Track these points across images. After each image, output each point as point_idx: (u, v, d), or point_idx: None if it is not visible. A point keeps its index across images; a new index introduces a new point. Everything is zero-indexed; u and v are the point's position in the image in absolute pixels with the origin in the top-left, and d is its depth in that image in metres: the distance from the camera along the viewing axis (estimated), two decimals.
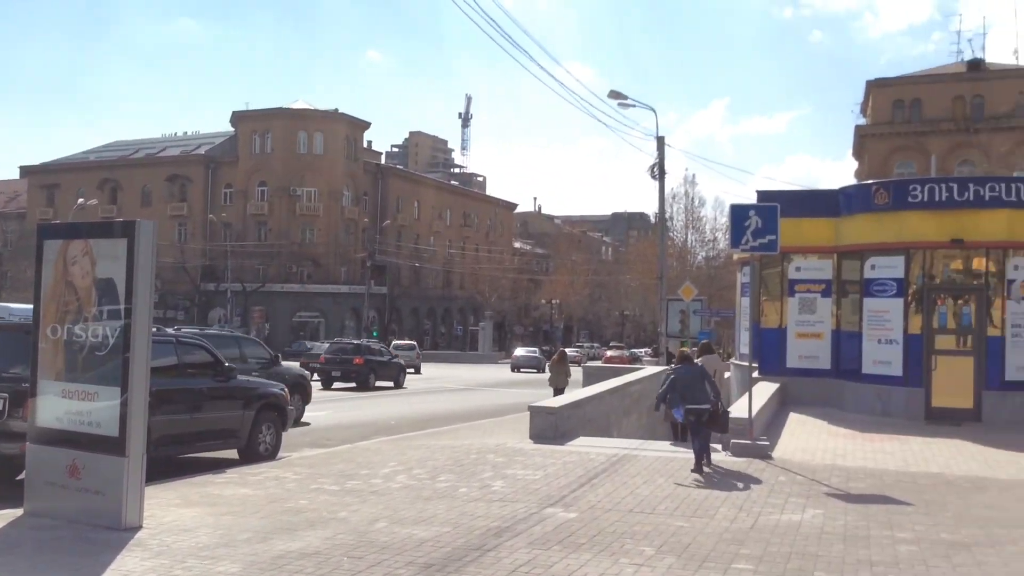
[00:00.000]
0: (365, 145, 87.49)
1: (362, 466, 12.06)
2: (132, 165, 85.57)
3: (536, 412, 14.64)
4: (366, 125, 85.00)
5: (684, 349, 14.27)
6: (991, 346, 16.90)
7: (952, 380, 17.06)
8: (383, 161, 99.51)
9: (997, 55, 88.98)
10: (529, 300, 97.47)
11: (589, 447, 13.52)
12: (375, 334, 64.81)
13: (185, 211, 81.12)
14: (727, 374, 24.26)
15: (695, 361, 13.21)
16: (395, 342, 44.22)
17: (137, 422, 8.19)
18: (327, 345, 41.75)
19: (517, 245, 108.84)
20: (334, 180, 79.12)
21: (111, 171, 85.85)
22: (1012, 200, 16.93)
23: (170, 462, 12.00)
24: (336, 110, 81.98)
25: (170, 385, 11.87)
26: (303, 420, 19.24)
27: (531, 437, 14.33)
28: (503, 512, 9.05)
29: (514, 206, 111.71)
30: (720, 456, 12.75)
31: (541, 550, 7.53)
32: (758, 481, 10.91)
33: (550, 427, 14.33)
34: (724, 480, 11.02)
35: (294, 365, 24.02)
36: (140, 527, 8.17)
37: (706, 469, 11.66)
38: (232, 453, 13.39)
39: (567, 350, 34.79)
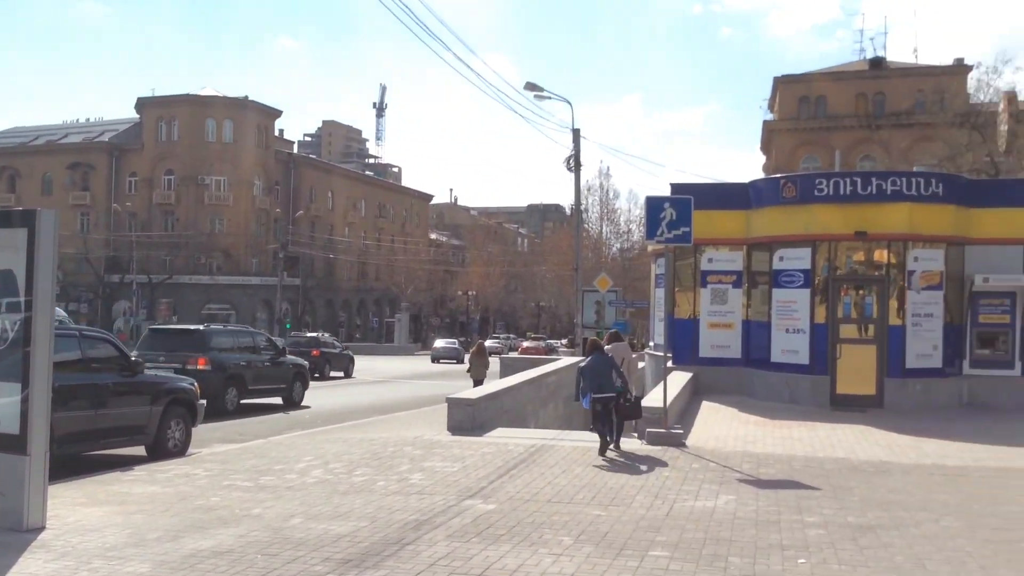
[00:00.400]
0: (277, 134, 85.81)
1: (276, 461, 11.83)
2: (32, 152, 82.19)
3: (454, 404, 14.60)
4: (277, 113, 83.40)
5: (594, 338, 14.58)
6: (892, 335, 17.54)
7: (856, 368, 17.67)
8: (295, 150, 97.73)
9: (898, 54, 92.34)
10: (445, 291, 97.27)
11: (507, 438, 13.55)
12: (288, 326, 63.67)
13: (88, 200, 78.22)
14: (641, 364, 24.67)
15: (605, 349, 13.48)
16: (308, 335, 43.53)
17: (39, 419, 7.86)
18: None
19: (433, 236, 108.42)
20: (244, 169, 77.33)
21: (10, 158, 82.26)
22: (912, 194, 17.59)
23: (75, 460, 11.57)
24: (246, 97, 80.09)
25: (74, 380, 11.45)
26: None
27: (449, 429, 14.29)
28: (421, 505, 8.99)
29: (430, 197, 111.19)
30: (636, 444, 12.95)
31: (460, 542, 7.50)
32: (673, 469, 11.10)
33: (468, 419, 14.31)
34: (640, 468, 11.17)
35: (296, 357, 25.28)
36: (43, 528, 7.85)
37: (610, 454, 12.07)
38: (140, 450, 13.00)
39: (488, 341, 35.03)
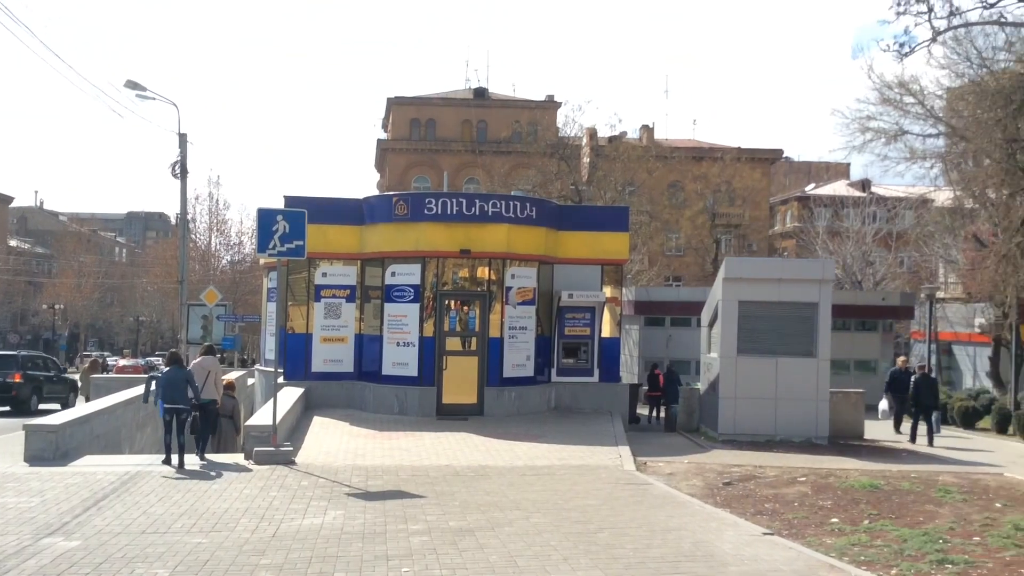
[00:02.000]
0: None
1: None
2: None
3: (32, 431, 12.97)
4: None
5: (174, 351, 14.81)
6: (492, 347, 18.77)
7: (460, 378, 18.65)
8: None
9: (499, 87, 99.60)
10: (28, 305, 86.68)
11: (97, 466, 12.32)
12: None
13: None
14: (251, 380, 23.92)
15: (199, 359, 14.11)
16: None
17: None
18: None
19: (13, 243, 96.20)
20: None
21: None
22: (510, 216, 19.00)
23: None
24: None
25: None
26: None
27: (26, 460, 12.67)
28: None
29: (10, 199, 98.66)
30: (241, 465, 12.46)
31: None
32: (282, 488, 10.83)
33: (50, 447, 12.80)
34: (246, 490, 10.75)
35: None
36: None
37: (187, 466, 12.43)
38: None
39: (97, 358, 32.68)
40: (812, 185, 64.00)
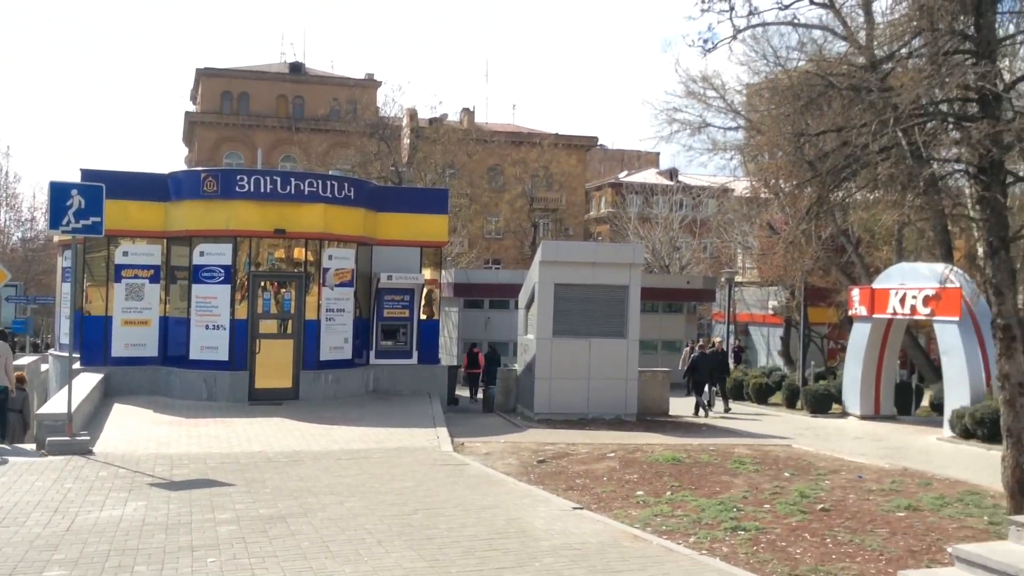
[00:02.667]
0: None
1: None
2: None
3: None
4: None
5: None
6: (308, 329, 18.35)
7: (274, 362, 18.13)
8: None
9: (317, 62, 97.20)
10: None
11: None
12: None
13: None
14: (44, 367, 22.32)
15: None
16: None
17: None
18: None
19: None
20: None
21: None
22: (328, 196, 18.60)
23: None
24: None
25: None
26: None
27: None
28: None
29: None
30: (33, 456, 11.61)
31: None
32: (78, 479, 10.16)
33: None
34: (38, 482, 10.01)
35: None
36: None
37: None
38: None
39: None
40: (625, 172, 66.55)
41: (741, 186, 33.58)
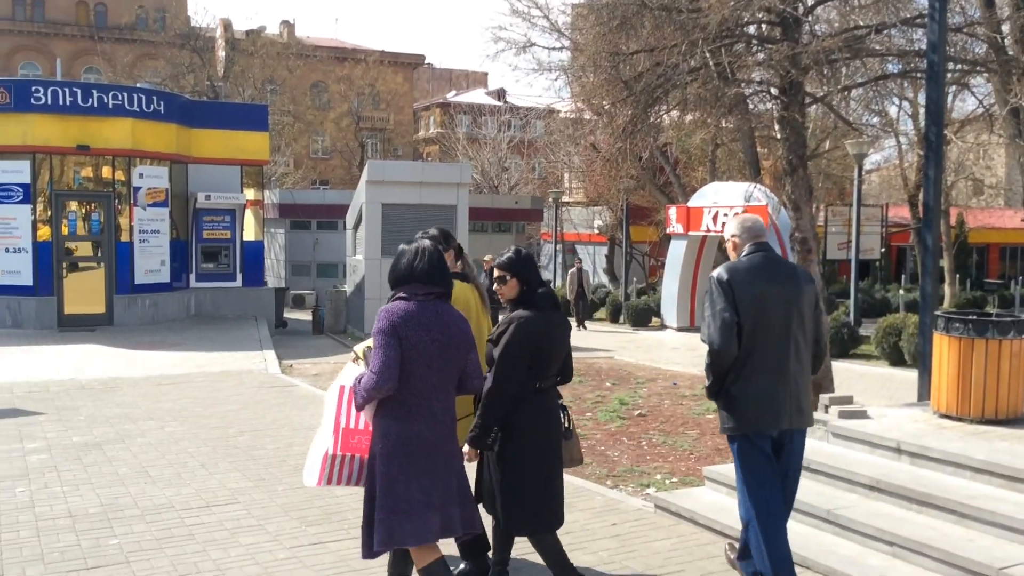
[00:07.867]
0: None
1: None
2: None
3: None
4: None
5: None
6: (121, 252, 17.42)
7: (85, 287, 17.19)
8: None
9: None
10: None
11: None
12: None
13: None
14: None
15: None
16: None
17: None
18: None
19: None
20: None
21: None
22: (135, 110, 17.50)
23: None
24: None
25: None
26: None
27: None
28: None
29: None
30: None
31: None
32: None
33: None
34: None
35: None
36: None
37: None
38: None
39: None
40: (454, 92, 65.99)
41: (566, 107, 34.09)
